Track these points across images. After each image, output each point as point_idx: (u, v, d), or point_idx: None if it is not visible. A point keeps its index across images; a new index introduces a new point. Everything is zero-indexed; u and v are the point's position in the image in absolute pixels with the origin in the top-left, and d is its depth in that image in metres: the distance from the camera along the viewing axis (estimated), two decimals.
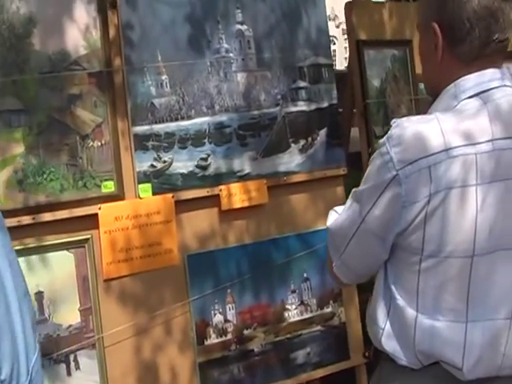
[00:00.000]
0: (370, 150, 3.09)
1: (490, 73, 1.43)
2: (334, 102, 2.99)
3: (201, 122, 2.68)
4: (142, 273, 2.58)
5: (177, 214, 2.65)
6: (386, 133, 3.47)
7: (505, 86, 1.43)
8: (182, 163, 2.65)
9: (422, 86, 3.29)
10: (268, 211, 2.83)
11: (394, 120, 1.43)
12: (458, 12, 1.40)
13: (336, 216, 1.54)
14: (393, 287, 1.45)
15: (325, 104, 2.97)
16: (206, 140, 2.70)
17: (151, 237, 2.59)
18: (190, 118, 2.67)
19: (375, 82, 3.14)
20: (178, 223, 2.65)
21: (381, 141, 1.40)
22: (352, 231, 1.46)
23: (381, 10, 3.22)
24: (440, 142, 1.34)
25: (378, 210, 1.39)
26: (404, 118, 1.41)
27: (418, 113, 3.20)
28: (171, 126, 2.63)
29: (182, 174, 2.65)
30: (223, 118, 2.72)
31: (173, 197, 2.62)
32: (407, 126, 1.37)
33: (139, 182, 2.58)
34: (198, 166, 2.68)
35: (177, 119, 2.64)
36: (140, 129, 2.57)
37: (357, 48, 3.09)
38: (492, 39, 1.41)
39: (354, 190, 1.47)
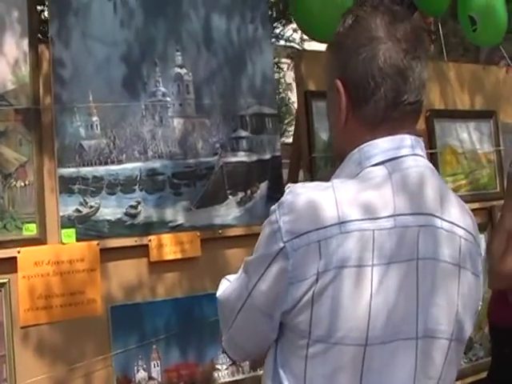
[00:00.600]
0: None
1: (399, 139, 1.35)
2: (278, 154, 3.06)
3: (132, 167, 2.72)
4: (62, 322, 2.63)
5: (102, 262, 2.69)
6: None
7: (415, 154, 1.35)
8: (110, 209, 2.69)
9: None
10: (201, 265, 2.88)
11: (288, 185, 1.35)
12: (362, 69, 1.33)
13: (227, 285, 1.51)
14: (281, 371, 1.35)
15: (267, 156, 3.03)
16: (136, 187, 2.75)
17: (73, 285, 2.63)
18: (120, 162, 2.71)
19: (323, 135, 3.17)
20: (103, 272, 2.69)
21: (272, 207, 1.33)
22: (239, 305, 1.40)
23: None
24: (333, 214, 1.26)
25: (265, 284, 1.32)
26: (299, 184, 1.35)
27: None
28: (100, 170, 2.68)
29: (108, 221, 2.68)
30: (156, 164, 2.77)
31: (98, 244, 2.67)
32: (300, 193, 1.30)
33: (63, 227, 2.62)
34: (126, 214, 2.73)
35: (106, 163, 2.69)
36: (66, 171, 2.62)
37: (305, 99, 3.12)
38: (400, 100, 1.33)
39: (245, 258, 1.42)
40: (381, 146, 1.34)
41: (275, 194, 3.14)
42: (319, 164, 3.28)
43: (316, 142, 3.29)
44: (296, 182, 3.41)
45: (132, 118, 2.85)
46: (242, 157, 3.08)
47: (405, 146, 1.34)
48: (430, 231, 1.31)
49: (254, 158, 3.11)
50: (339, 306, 1.24)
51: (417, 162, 1.35)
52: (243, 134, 3.10)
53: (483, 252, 1.52)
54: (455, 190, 3.19)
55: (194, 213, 2.95)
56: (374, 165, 1.33)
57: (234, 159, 3.06)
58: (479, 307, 1.44)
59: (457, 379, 3.46)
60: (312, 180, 3.23)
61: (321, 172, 3.28)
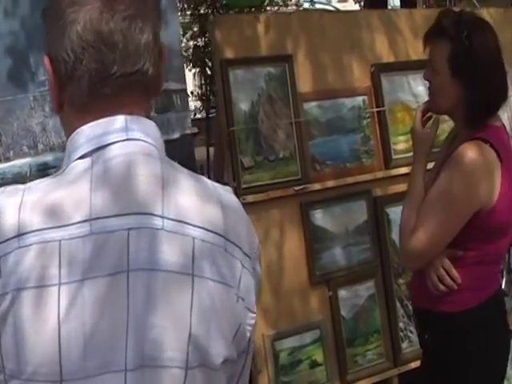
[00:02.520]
0: (235, 183, 2.99)
1: (106, 122, 1.15)
2: (188, 132, 2.96)
3: (21, 163, 2.68)
4: None
5: None
6: (257, 163, 3.39)
7: (130, 139, 1.15)
8: None
9: (307, 106, 3.21)
10: None
11: None
12: (61, 39, 1.14)
13: None
14: None
15: (176, 135, 2.94)
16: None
17: None
18: (7, 160, 2.66)
19: (243, 106, 3.08)
20: None
21: None
22: None
23: (254, 23, 3.19)
24: (14, 223, 1.09)
25: None
26: (6, 188, 1.17)
27: (300, 137, 3.11)
28: None
29: None
30: (48, 157, 2.73)
31: None
32: None
33: None
34: None
35: None
36: None
37: (220, 68, 3.00)
38: (109, 73, 1.13)
39: None
40: (87, 133, 1.15)
41: None
42: (240, 137, 3.17)
43: (235, 113, 3.18)
44: (223, 159, 3.29)
45: (20, 112, 2.81)
46: None
47: (114, 131, 1.15)
48: (144, 234, 1.10)
49: None
50: (22, 336, 1.07)
51: (127, 149, 1.14)
52: None
53: None
54: (409, 150, 2.99)
55: None
56: (81, 157, 1.14)
57: None
58: (248, 326, 1.21)
59: (398, 365, 3.32)
60: (232, 156, 3.13)
61: (242, 146, 3.15)
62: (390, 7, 8.85)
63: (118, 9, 1.14)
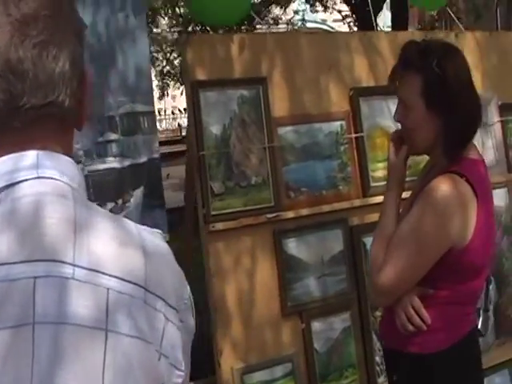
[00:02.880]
0: (204, 210, 2.89)
1: (16, 157, 1.06)
2: (155, 155, 2.86)
3: None
4: None
5: None
6: (227, 189, 3.30)
7: (41, 177, 1.07)
8: None
9: (281, 130, 3.12)
10: None
11: None
12: None
13: None
14: None
15: (143, 159, 2.84)
16: None
17: None
18: None
19: (215, 129, 2.98)
20: None
21: None
22: None
23: (228, 43, 3.08)
24: None
25: None
26: None
27: (274, 163, 3.01)
28: None
29: None
30: None
31: None
32: None
33: None
34: None
35: None
36: None
37: (191, 90, 2.90)
38: (18, 105, 1.05)
39: None
40: None
41: (153, 200, 2.97)
42: (210, 162, 3.07)
43: (206, 137, 3.08)
44: (193, 184, 3.19)
45: None
46: (111, 163, 2.91)
47: (24, 168, 1.06)
48: (52, 284, 1.01)
49: (127, 162, 2.94)
50: None
51: (37, 188, 1.05)
52: (112, 136, 2.93)
53: None
54: None
55: None
56: None
57: (101, 166, 2.90)
58: None
59: None
60: (202, 181, 3.03)
61: (212, 171, 3.05)
62: (380, 28, 8.81)
63: (29, 34, 1.05)
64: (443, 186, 2.13)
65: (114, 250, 1.07)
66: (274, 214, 3.17)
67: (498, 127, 3.93)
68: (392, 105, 3.54)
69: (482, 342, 3.75)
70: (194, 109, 3.07)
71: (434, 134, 2.21)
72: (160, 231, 1.21)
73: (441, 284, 2.20)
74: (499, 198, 3.85)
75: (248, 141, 3.18)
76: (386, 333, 2.41)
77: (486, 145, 3.87)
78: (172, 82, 18.55)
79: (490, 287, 3.84)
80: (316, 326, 3.27)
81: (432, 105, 2.18)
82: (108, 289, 1.03)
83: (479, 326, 2.74)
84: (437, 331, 2.21)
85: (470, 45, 3.90)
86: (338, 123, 3.38)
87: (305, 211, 3.26)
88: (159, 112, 21.59)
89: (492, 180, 3.78)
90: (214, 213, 3.06)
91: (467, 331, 2.27)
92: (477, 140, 3.75)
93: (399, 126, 2.55)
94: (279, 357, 3.20)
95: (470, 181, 2.16)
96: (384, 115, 3.53)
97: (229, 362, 3.09)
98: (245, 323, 3.14)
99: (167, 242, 1.57)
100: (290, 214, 3.23)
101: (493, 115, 3.90)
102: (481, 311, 2.75)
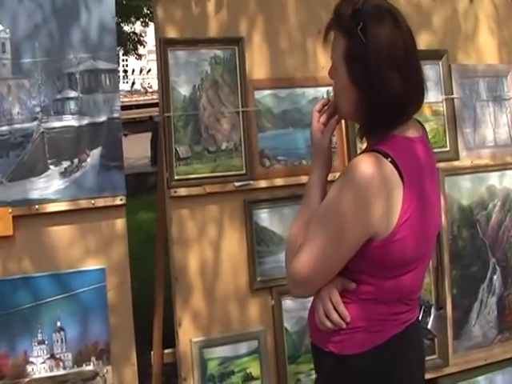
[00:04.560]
0: (167, 174, 2.88)
1: None
2: (116, 115, 2.86)
3: None
4: None
5: None
6: (194, 154, 3.29)
7: None
8: None
9: (259, 94, 3.07)
10: (16, 245, 2.86)
11: None
12: None
13: None
14: None
15: (102, 118, 2.88)
16: None
17: None
18: None
19: (183, 91, 2.95)
20: None
21: None
22: None
23: (204, 1, 3.02)
24: None
25: None
26: None
27: (248, 129, 2.97)
28: None
29: None
30: None
31: None
32: None
33: None
34: None
35: None
36: None
37: (159, 48, 2.89)
38: None
39: None
40: None
41: (110, 161, 2.98)
42: (177, 125, 3.04)
43: (174, 98, 3.07)
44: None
45: None
46: (68, 121, 2.94)
47: None
48: None
49: (85, 121, 2.96)
50: None
51: None
52: (71, 94, 2.95)
53: None
54: None
55: (5, 187, 2.85)
56: None
57: (58, 124, 2.93)
58: None
59: None
60: (166, 144, 3.00)
61: (179, 134, 3.03)
62: None
63: None
64: (363, 166, 1.92)
65: None
66: (242, 183, 3.12)
67: None
68: None
69: (482, 337, 3.60)
70: (161, 68, 3.05)
71: (354, 106, 2.04)
72: None
73: (365, 278, 2.01)
74: (511, 180, 3.66)
75: (220, 104, 3.14)
76: (311, 325, 2.24)
77: (499, 121, 3.69)
78: None
79: (495, 277, 3.65)
80: (287, 303, 3.21)
81: (352, 74, 2.02)
82: None
83: (429, 326, 2.50)
84: (358, 331, 2.02)
85: (486, 10, 3.74)
86: (324, 89, 3.29)
87: (280, 181, 3.19)
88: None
89: (505, 160, 3.67)
90: (177, 177, 3.05)
91: (396, 332, 2.08)
92: (488, 115, 3.66)
93: None
94: (244, 333, 3.17)
95: (395, 162, 1.94)
96: None
97: (188, 334, 3.07)
98: (208, 295, 3.12)
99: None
100: (263, 184, 3.19)
101: (509, 89, 3.71)
102: (432, 309, 2.49)
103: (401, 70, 1.96)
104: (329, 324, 2.03)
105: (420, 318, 2.28)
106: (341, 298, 2.04)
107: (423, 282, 2.22)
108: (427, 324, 2.48)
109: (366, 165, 1.92)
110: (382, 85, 1.94)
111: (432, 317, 2.52)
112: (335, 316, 2.02)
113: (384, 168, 1.93)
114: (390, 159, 1.93)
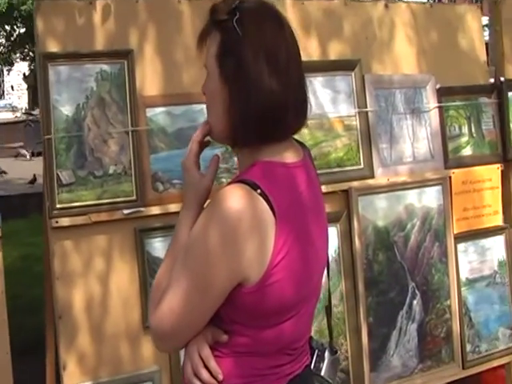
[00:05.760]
0: (48, 203, 2.69)
1: None
2: None
3: None
4: None
5: None
6: (78, 179, 3.05)
7: None
8: None
9: (151, 112, 2.88)
10: None
11: None
12: None
13: None
14: None
15: None
16: None
17: None
18: None
19: (66, 110, 2.77)
20: None
21: None
22: None
23: (89, 11, 2.89)
24: None
25: None
26: None
27: (138, 150, 2.77)
28: None
29: None
30: None
31: None
32: None
33: None
34: None
35: None
36: None
37: (40, 63, 2.70)
38: None
39: None
40: None
41: None
42: (59, 147, 2.85)
43: (56, 118, 2.89)
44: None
45: None
46: None
47: None
48: None
49: None
50: None
51: None
52: None
53: None
54: None
55: None
56: None
57: None
58: None
59: None
60: (47, 169, 2.80)
61: (61, 158, 2.82)
62: None
63: None
64: (231, 201, 1.68)
65: None
66: (132, 210, 2.93)
67: (434, 114, 3.62)
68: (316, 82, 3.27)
69: (402, 367, 3.46)
70: (42, 86, 2.85)
71: (224, 114, 1.81)
72: None
73: (238, 328, 1.79)
74: (431, 198, 3.54)
75: (107, 123, 2.94)
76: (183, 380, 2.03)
77: (418, 135, 3.56)
78: None
79: (414, 302, 3.51)
80: None
81: (223, 70, 1.79)
82: None
83: (322, 373, 2.26)
84: None
85: (403, 17, 3.61)
86: None
87: (174, 207, 2.99)
88: None
89: (424, 177, 3.53)
90: (59, 206, 2.86)
91: None
92: (406, 129, 3.52)
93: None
94: (137, 374, 2.99)
95: (265, 195, 1.73)
96: None
97: (74, 379, 2.88)
98: (96, 334, 2.94)
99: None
100: (156, 210, 3.01)
101: (429, 100, 3.56)
102: (326, 353, 2.26)
103: (280, 72, 1.76)
104: (198, 383, 1.84)
105: (313, 364, 2.11)
106: (212, 351, 1.81)
107: (310, 327, 2.03)
108: (321, 370, 2.29)
109: (234, 199, 1.70)
110: (256, 81, 1.73)
111: (326, 361, 2.33)
112: (205, 374, 1.79)
113: (255, 202, 1.71)
114: (259, 191, 1.72)
